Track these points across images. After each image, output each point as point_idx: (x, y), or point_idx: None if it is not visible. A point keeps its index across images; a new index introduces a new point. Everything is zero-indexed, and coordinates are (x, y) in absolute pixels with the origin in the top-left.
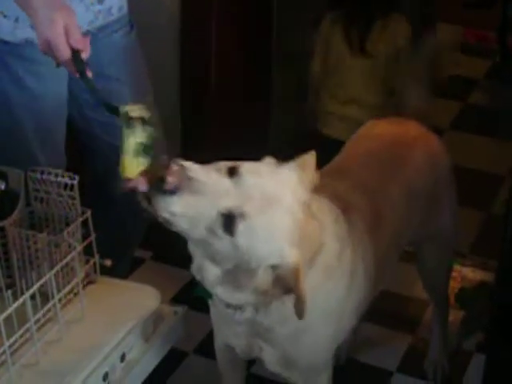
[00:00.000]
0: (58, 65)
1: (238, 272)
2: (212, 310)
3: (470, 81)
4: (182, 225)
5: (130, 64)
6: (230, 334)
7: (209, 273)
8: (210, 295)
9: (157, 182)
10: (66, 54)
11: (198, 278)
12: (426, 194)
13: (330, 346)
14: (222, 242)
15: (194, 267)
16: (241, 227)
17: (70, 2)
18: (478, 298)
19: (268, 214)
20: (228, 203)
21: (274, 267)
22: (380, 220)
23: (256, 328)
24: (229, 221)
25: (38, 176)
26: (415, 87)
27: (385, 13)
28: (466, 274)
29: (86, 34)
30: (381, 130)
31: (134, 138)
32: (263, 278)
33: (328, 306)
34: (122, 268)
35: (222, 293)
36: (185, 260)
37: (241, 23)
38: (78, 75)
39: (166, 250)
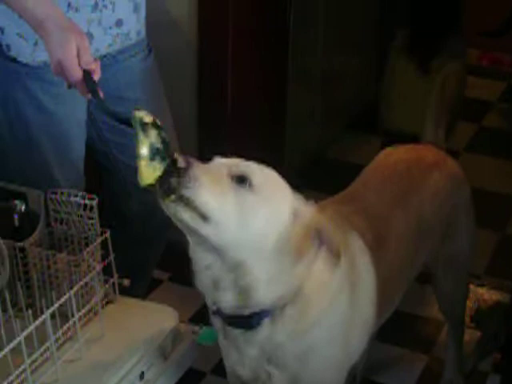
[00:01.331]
0: (70, 86)
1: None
2: (221, 340)
3: (485, 103)
4: (206, 196)
5: (148, 87)
6: (236, 363)
7: (253, 272)
8: (214, 339)
9: (171, 164)
10: (77, 75)
11: (215, 307)
12: (443, 220)
13: (339, 367)
14: (248, 200)
15: (217, 296)
16: (255, 180)
17: (88, 25)
18: (494, 318)
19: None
20: (233, 169)
21: (295, 214)
22: (382, 243)
23: (267, 348)
24: (242, 179)
25: (58, 197)
26: (432, 124)
27: (446, 36)
28: (482, 294)
29: (104, 57)
30: (397, 158)
31: (149, 143)
32: (295, 232)
33: (332, 320)
34: (141, 288)
35: (263, 292)
36: None
37: (257, 46)
38: (89, 96)
39: (184, 270)
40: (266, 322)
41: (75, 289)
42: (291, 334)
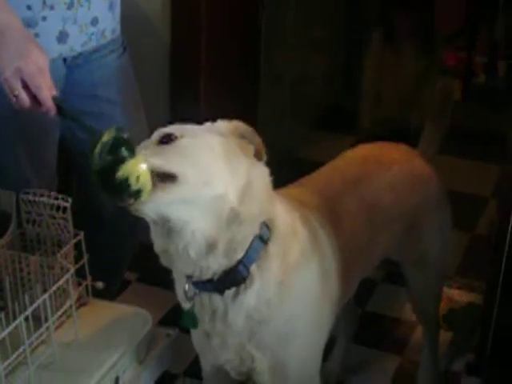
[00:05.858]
0: (16, 99)
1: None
2: (195, 334)
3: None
4: (156, 161)
5: (123, 86)
6: (219, 352)
7: (229, 198)
8: (196, 323)
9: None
10: (40, 81)
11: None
12: (404, 216)
13: (315, 346)
14: (185, 143)
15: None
16: (176, 132)
17: (63, 24)
18: (466, 319)
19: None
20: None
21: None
22: (338, 220)
23: (254, 314)
24: (169, 137)
25: (31, 198)
26: (425, 142)
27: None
28: (453, 295)
29: (79, 55)
30: (360, 153)
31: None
32: (232, 141)
33: (307, 280)
34: (112, 289)
35: (244, 213)
36: (171, 282)
37: (229, 45)
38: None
39: (152, 271)
40: (254, 269)
41: (49, 292)
42: (276, 289)
